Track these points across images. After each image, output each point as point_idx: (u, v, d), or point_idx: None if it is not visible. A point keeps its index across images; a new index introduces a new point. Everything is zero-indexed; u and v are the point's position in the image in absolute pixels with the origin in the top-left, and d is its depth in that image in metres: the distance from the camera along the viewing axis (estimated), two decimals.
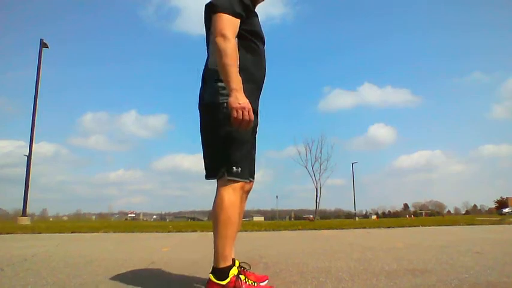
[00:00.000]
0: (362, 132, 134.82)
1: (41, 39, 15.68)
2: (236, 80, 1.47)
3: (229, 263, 1.53)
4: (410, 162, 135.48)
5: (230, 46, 1.50)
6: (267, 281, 1.74)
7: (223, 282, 1.49)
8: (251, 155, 1.67)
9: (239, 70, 1.51)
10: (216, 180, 1.60)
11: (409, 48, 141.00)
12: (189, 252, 3.30)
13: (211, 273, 1.52)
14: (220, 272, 1.51)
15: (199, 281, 1.87)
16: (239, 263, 1.60)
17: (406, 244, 3.67)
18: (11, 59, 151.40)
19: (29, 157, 14.72)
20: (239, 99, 1.44)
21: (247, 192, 1.76)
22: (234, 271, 1.53)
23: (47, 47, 16.05)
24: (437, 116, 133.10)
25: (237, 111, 1.43)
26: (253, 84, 1.66)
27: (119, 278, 1.90)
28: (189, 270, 2.17)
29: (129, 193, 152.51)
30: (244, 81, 1.52)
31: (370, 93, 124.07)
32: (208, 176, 1.62)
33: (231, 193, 1.54)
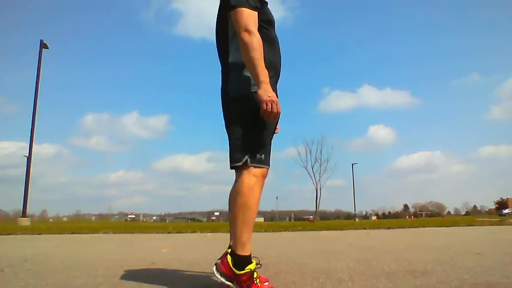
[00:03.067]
0: (362, 133, 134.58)
1: (41, 39, 15.72)
2: (264, 73, 1.50)
3: (248, 252, 1.51)
4: (410, 163, 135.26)
5: (256, 40, 1.52)
6: (267, 283, 1.74)
7: (238, 272, 1.47)
8: (271, 143, 1.68)
9: None
10: (236, 168, 1.60)
11: (408, 50, 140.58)
12: (189, 253, 3.30)
13: (229, 254, 1.50)
14: (238, 259, 1.49)
15: (199, 281, 1.87)
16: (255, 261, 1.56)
17: (406, 245, 3.67)
18: (11, 60, 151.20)
19: (28, 158, 14.73)
20: (268, 92, 1.47)
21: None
22: (252, 266, 1.50)
23: (47, 48, 16.08)
24: (436, 117, 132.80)
25: (266, 104, 1.46)
26: (273, 72, 1.67)
27: (119, 278, 1.89)
28: (189, 270, 2.17)
29: (129, 194, 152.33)
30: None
31: (370, 95, 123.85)
32: (233, 163, 1.62)
33: (252, 179, 1.54)
